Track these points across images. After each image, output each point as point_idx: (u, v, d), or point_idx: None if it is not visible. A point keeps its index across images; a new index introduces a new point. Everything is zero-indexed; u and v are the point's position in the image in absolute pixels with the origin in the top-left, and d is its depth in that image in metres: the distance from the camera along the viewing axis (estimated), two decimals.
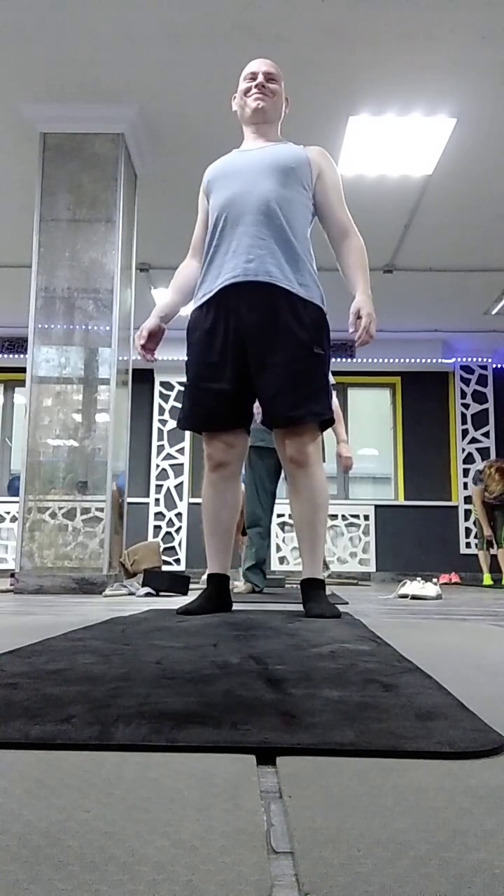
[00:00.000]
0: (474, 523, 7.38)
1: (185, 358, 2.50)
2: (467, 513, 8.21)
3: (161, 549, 5.68)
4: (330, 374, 2.64)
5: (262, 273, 2.33)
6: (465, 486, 8.35)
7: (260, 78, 2.56)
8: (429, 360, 8.47)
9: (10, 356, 8.32)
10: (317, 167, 2.57)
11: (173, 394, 8.44)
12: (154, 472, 8.37)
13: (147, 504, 8.26)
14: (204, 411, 2.43)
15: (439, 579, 6.98)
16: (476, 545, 7.43)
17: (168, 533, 8.24)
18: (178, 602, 3.08)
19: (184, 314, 2.64)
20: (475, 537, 7.47)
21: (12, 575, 4.17)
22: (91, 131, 4.40)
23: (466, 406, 8.58)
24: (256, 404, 2.45)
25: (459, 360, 8.57)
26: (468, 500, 8.04)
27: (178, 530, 8.24)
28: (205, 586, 2.54)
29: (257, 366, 2.34)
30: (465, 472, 8.43)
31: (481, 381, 8.63)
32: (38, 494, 4.14)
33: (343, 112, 4.33)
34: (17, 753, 0.70)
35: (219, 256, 2.43)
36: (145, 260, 6.34)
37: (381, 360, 8.45)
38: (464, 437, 8.53)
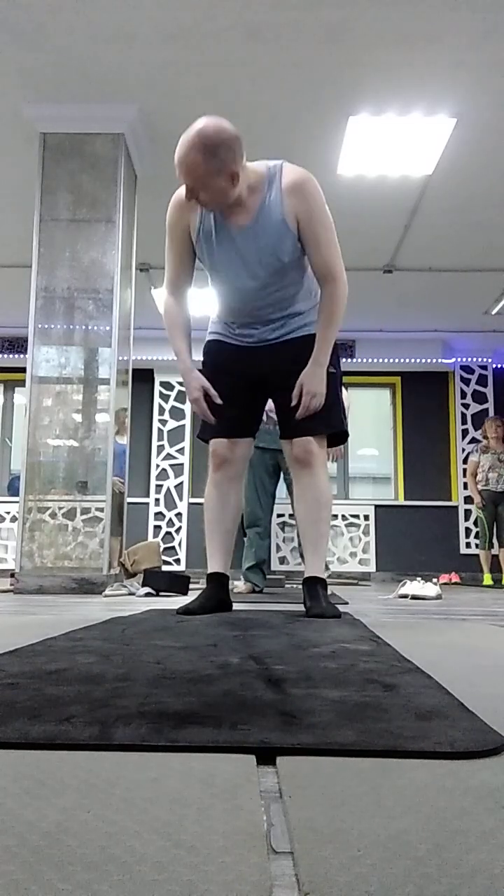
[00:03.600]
0: (475, 523, 7.38)
1: None
2: (467, 513, 8.21)
3: (161, 549, 5.68)
4: (343, 391, 2.68)
5: (278, 335, 2.42)
6: (465, 486, 8.35)
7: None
8: (429, 360, 8.47)
9: (10, 356, 8.32)
10: (292, 212, 2.22)
11: (173, 394, 8.43)
12: (154, 472, 8.37)
13: (147, 504, 8.26)
14: (223, 428, 2.49)
15: (439, 579, 6.97)
16: (477, 545, 7.43)
17: (168, 533, 8.24)
18: (178, 602, 3.08)
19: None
20: (476, 537, 7.47)
21: (12, 575, 4.17)
22: (91, 131, 4.40)
23: (466, 406, 8.58)
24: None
25: (459, 360, 8.57)
26: (468, 500, 8.04)
27: (178, 530, 8.24)
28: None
29: (275, 387, 2.45)
30: (465, 472, 8.43)
31: (481, 381, 8.63)
32: (38, 494, 4.14)
33: (343, 112, 4.33)
34: (17, 753, 0.70)
35: (229, 301, 2.44)
36: (145, 260, 6.34)
37: (381, 360, 8.44)
38: (464, 437, 8.52)
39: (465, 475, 8.23)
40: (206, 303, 3.26)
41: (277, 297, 2.37)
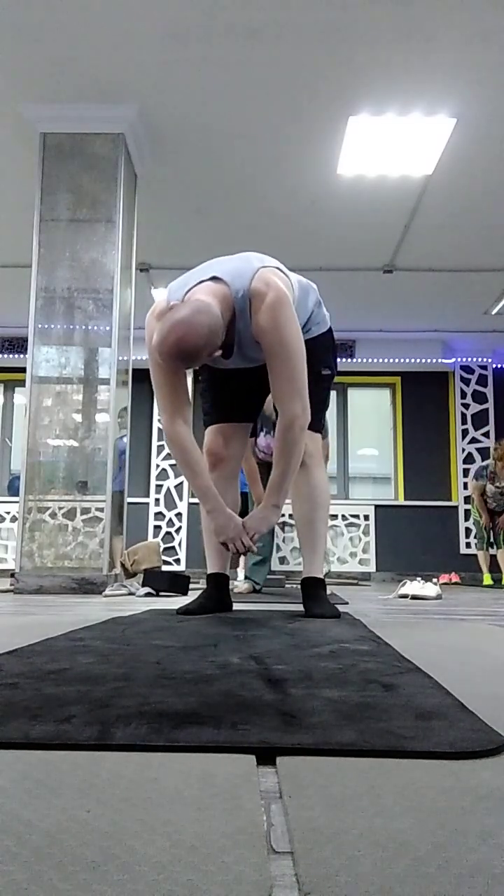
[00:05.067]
0: (474, 523, 7.39)
1: None
2: (467, 513, 8.21)
3: (161, 549, 5.68)
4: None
5: None
6: (465, 486, 8.35)
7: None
8: (429, 360, 8.47)
9: (10, 356, 8.32)
10: (259, 339, 2.13)
11: None
12: (154, 472, 8.37)
13: (147, 504, 8.26)
14: (223, 414, 2.51)
15: (439, 579, 6.98)
16: (476, 545, 7.43)
17: (168, 533, 8.24)
18: (178, 602, 3.08)
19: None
20: (475, 537, 7.47)
21: (12, 575, 4.17)
22: (91, 131, 4.40)
23: (466, 406, 8.58)
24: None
25: (459, 360, 8.57)
26: (468, 499, 8.04)
27: (178, 530, 8.24)
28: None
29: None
30: (465, 472, 8.43)
31: (481, 381, 8.63)
32: (38, 494, 4.14)
33: (343, 112, 4.33)
34: (17, 753, 0.70)
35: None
36: (145, 260, 6.34)
37: (381, 360, 8.44)
38: (464, 437, 8.52)
39: (465, 488, 8.25)
40: None
41: None
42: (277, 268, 2.21)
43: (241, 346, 2.16)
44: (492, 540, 7.14)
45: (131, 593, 3.82)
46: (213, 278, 2.10)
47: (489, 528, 7.12)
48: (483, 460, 8.40)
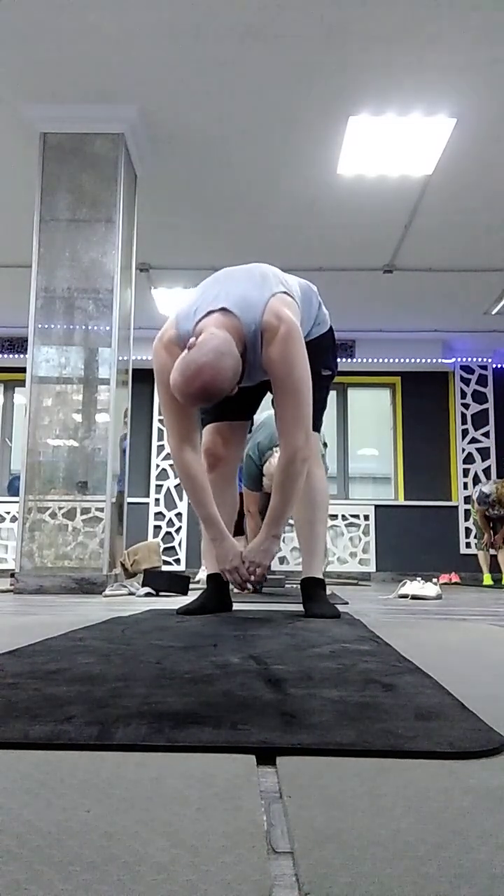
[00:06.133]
0: (474, 523, 7.40)
1: None
2: (467, 513, 8.21)
3: (161, 549, 5.68)
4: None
5: None
6: (465, 486, 8.36)
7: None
8: (429, 360, 8.47)
9: (10, 356, 8.33)
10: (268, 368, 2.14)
11: None
12: (154, 472, 8.37)
13: (147, 504, 8.26)
14: (222, 411, 2.50)
15: (439, 579, 6.98)
16: (476, 545, 7.44)
17: (168, 533, 8.24)
18: (178, 602, 3.08)
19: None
20: (475, 537, 7.47)
21: (12, 575, 4.17)
22: (91, 131, 4.40)
23: (466, 406, 8.58)
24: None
25: (459, 360, 8.57)
26: (468, 500, 8.04)
27: (178, 530, 8.24)
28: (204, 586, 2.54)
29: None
30: (465, 472, 8.43)
31: (481, 381, 8.63)
32: (38, 494, 4.14)
33: (343, 112, 4.33)
34: (17, 753, 0.70)
35: None
36: (145, 260, 6.34)
37: (381, 360, 8.45)
38: (464, 437, 8.53)
39: (465, 488, 8.25)
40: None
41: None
42: (284, 291, 2.18)
43: (250, 373, 2.17)
44: (493, 553, 7.17)
45: (131, 593, 3.82)
46: (223, 310, 2.07)
47: (488, 546, 7.15)
48: (483, 460, 8.42)
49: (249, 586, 2.25)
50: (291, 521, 2.60)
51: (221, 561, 2.26)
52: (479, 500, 7.07)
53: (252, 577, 2.24)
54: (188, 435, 2.23)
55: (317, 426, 2.47)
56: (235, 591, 2.99)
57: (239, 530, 4.68)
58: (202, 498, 2.23)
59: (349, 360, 8.32)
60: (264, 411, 3.07)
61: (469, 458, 8.47)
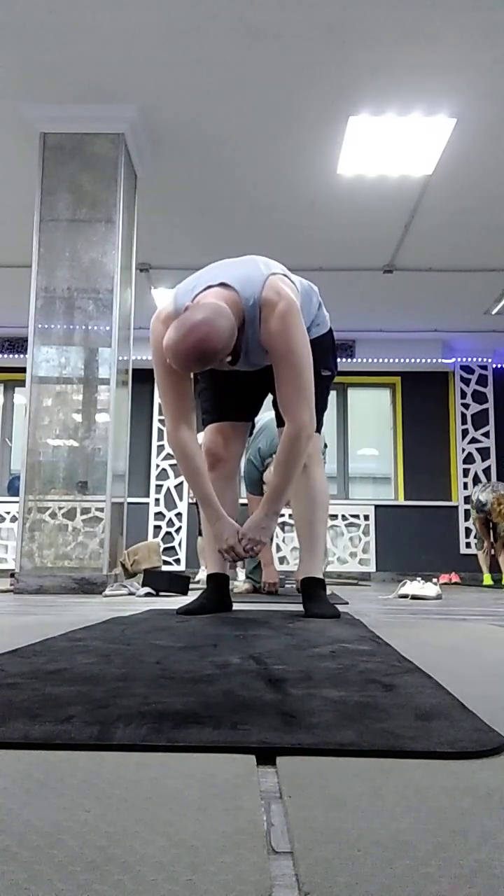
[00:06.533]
0: (473, 523, 7.39)
1: None
2: (467, 513, 8.21)
3: (161, 548, 5.68)
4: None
5: None
6: (465, 486, 8.36)
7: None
8: (429, 360, 8.47)
9: (10, 356, 8.33)
10: (267, 345, 2.12)
11: None
12: (154, 472, 8.37)
13: (147, 504, 8.26)
14: (223, 411, 2.50)
15: (439, 579, 6.98)
16: (475, 545, 7.44)
17: (168, 533, 8.24)
18: (178, 602, 3.08)
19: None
20: (475, 538, 7.47)
21: (12, 575, 4.17)
22: (91, 131, 4.40)
23: (466, 406, 8.58)
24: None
25: (459, 360, 8.57)
26: (468, 500, 8.04)
27: (178, 530, 8.24)
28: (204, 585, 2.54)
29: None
30: (465, 472, 8.43)
31: (481, 381, 8.63)
32: (38, 494, 4.14)
33: (343, 112, 4.33)
34: (17, 753, 0.70)
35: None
36: (145, 260, 6.34)
37: (381, 360, 8.44)
38: (464, 437, 8.53)
39: (465, 488, 8.25)
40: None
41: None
42: (284, 274, 2.19)
43: (248, 352, 2.15)
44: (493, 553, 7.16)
45: (131, 593, 3.82)
46: (222, 284, 2.08)
47: (489, 552, 7.15)
48: (483, 460, 8.41)
49: (243, 557, 2.23)
50: (291, 522, 2.60)
51: (218, 540, 2.24)
52: (477, 507, 7.06)
53: (249, 555, 2.21)
54: (183, 415, 2.22)
55: (318, 427, 2.47)
56: (236, 591, 3.02)
57: None
58: (198, 476, 2.23)
59: (349, 360, 8.32)
60: (264, 414, 3.07)
61: (469, 458, 8.47)
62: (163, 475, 8.37)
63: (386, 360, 8.45)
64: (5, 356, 8.37)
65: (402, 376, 8.62)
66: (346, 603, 3.31)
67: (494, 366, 8.65)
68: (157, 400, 8.43)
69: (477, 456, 8.46)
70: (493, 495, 6.84)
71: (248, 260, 2.24)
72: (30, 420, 4.21)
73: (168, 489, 8.34)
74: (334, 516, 8.11)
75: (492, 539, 7.11)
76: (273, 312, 2.05)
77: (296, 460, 2.15)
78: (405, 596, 3.85)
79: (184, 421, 2.22)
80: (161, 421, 8.43)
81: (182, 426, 2.22)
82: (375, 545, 8.22)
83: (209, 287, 2.08)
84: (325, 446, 4.30)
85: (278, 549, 8.10)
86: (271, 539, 2.46)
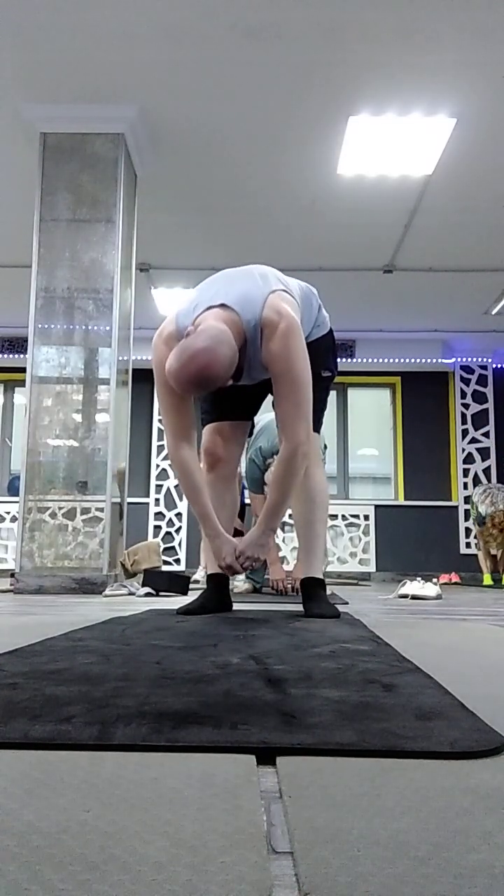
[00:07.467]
0: (473, 522, 7.39)
1: None
2: (467, 513, 8.21)
3: (161, 548, 5.68)
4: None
5: None
6: (465, 486, 8.35)
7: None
8: (429, 360, 8.47)
9: (10, 356, 8.32)
10: (268, 362, 2.14)
11: None
12: (154, 472, 8.37)
13: (147, 504, 8.26)
14: (223, 411, 2.51)
15: (439, 579, 6.97)
16: (476, 545, 7.44)
17: (168, 533, 8.24)
18: (178, 602, 3.08)
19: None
20: (475, 538, 7.47)
21: (12, 575, 4.17)
22: (91, 131, 4.39)
23: (466, 406, 8.58)
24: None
25: (459, 360, 8.57)
26: (468, 500, 8.04)
27: (178, 530, 8.24)
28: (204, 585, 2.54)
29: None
30: (465, 472, 8.43)
31: (481, 381, 8.63)
32: (38, 494, 4.14)
33: (343, 112, 4.33)
34: (17, 753, 0.70)
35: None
36: (145, 260, 6.34)
37: (381, 360, 8.44)
38: (464, 437, 8.53)
39: (465, 488, 8.24)
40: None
41: None
42: (284, 289, 2.19)
43: (249, 369, 2.18)
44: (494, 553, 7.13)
45: (131, 593, 3.82)
46: (223, 306, 2.09)
47: (491, 571, 7.14)
48: (483, 460, 8.41)
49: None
50: (292, 522, 2.60)
51: (217, 557, 2.29)
52: (477, 520, 7.04)
53: (247, 571, 2.25)
54: (185, 432, 2.25)
55: (317, 427, 2.47)
56: (236, 591, 3.02)
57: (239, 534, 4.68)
58: (197, 495, 2.27)
59: (349, 360, 8.32)
60: (265, 414, 3.07)
61: (469, 458, 8.47)
62: (163, 475, 8.37)
63: (386, 360, 8.44)
64: (5, 356, 8.37)
65: (402, 376, 8.62)
66: (346, 603, 3.31)
67: (494, 366, 8.65)
68: (157, 400, 8.43)
69: (477, 456, 8.46)
70: (493, 507, 6.82)
71: (247, 274, 2.24)
72: (30, 420, 4.21)
73: (168, 489, 8.34)
74: (334, 516, 8.11)
75: (494, 561, 7.09)
76: (274, 333, 2.08)
77: (292, 478, 2.18)
78: (405, 596, 3.85)
79: (184, 438, 2.25)
80: (161, 421, 8.42)
81: (183, 444, 2.25)
82: (375, 545, 8.22)
83: (210, 308, 2.10)
84: (325, 446, 4.31)
85: (278, 549, 8.09)
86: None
